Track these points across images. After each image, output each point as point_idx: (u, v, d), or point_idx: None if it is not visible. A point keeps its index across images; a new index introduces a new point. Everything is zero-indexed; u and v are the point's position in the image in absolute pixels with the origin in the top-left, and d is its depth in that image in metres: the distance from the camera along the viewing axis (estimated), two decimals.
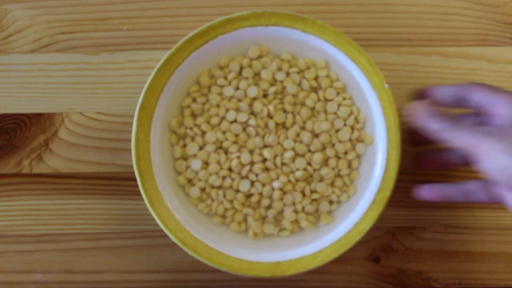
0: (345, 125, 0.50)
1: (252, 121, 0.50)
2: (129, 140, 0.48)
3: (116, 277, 0.53)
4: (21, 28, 0.55)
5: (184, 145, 0.50)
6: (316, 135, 0.50)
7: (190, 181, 0.50)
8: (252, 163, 0.50)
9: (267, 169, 0.50)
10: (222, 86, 0.50)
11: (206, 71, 0.50)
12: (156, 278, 0.53)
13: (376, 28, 0.55)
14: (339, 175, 0.50)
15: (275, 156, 0.50)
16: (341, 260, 0.50)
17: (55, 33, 0.55)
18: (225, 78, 0.51)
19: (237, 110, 0.50)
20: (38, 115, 0.54)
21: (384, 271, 0.53)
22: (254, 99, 0.50)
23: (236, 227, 0.50)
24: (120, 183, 0.53)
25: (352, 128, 0.50)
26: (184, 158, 0.50)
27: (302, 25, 0.49)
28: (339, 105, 0.50)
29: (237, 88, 0.50)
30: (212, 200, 0.50)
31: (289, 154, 0.49)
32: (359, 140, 0.50)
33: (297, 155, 0.50)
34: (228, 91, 0.50)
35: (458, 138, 0.42)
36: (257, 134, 0.50)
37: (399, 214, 0.53)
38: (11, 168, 0.54)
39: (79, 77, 0.55)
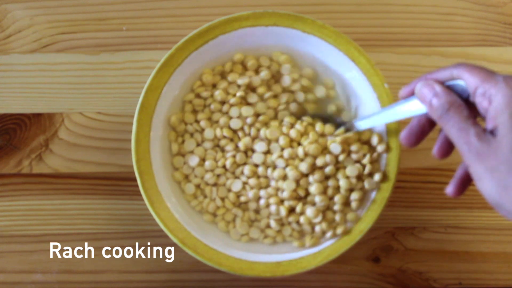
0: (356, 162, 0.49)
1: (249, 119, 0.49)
2: (129, 140, 0.48)
3: (116, 277, 0.53)
4: (21, 28, 0.55)
5: (183, 142, 0.50)
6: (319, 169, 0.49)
7: (186, 177, 0.50)
8: (245, 164, 0.49)
9: (257, 175, 0.49)
10: (231, 83, 0.50)
11: (209, 70, 0.50)
12: (156, 278, 0.53)
13: (376, 28, 0.55)
14: (332, 209, 0.49)
15: (266, 166, 0.49)
16: (341, 260, 0.50)
17: (55, 33, 0.55)
18: (238, 73, 0.50)
19: (242, 103, 0.50)
20: (38, 115, 0.54)
21: (384, 271, 0.53)
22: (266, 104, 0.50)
23: (224, 226, 0.49)
24: (120, 183, 0.53)
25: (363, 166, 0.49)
26: (182, 154, 0.50)
27: (302, 25, 0.49)
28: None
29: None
30: (205, 197, 0.50)
31: (276, 173, 0.48)
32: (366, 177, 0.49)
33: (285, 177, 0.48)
34: (243, 80, 0.50)
35: (448, 134, 0.37)
36: (248, 135, 0.50)
37: (399, 214, 0.53)
38: (11, 168, 0.54)
39: (79, 77, 0.55)
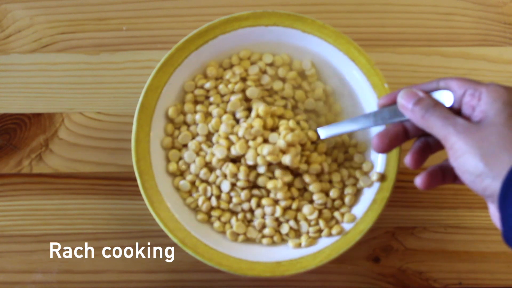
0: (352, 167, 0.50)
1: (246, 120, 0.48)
2: (129, 140, 0.48)
3: (116, 277, 0.53)
4: (21, 28, 0.55)
5: (179, 134, 0.50)
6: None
7: (182, 174, 0.50)
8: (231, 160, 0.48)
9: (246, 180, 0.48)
10: (236, 73, 0.50)
11: (214, 63, 0.50)
12: (156, 278, 0.53)
13: (376, 28, 0.55)
14: (331, 207, 0.49)
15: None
16: (341, 260, 0.50)
17: (55, 33, 0.55)
18: (245, 70, 0.50)
19: (244, 90, 0.50)
20: (38, 115, 0.54)
21: (384, 271, 0.53)
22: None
23: (220, 226, 0.49)
24: (120, 183, 0.53)
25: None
26: (178, 148, 0.50)
27: (302, 25, 0.49)
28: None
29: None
30: (199, 195, 0.49)
31: (262, 170, 0.47)
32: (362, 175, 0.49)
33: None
34: (254, 69, 0.50)
35: (431, 128, 0.39)
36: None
37: (399, 214, 0.53)
38: (11, 168, 0.54)
39: (79, 77, 0.55)
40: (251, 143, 0.47)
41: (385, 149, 0.44)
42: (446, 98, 0.40)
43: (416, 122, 0.40)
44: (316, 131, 0.48)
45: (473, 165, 0.36)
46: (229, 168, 0.47)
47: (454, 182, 0.43)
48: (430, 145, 0.43)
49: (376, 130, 0.49)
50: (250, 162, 0.47)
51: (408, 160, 0.43)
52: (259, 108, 0.48)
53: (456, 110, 0.40)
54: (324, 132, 0.48)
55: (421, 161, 0.43)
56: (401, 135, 0.43)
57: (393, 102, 0.43)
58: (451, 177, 0.42)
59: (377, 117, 0.44)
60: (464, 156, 0.36)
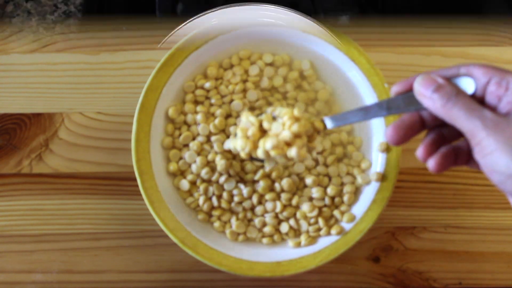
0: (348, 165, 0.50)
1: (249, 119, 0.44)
2: (129, 140, 0.48)
3: (116, 277, 0.53)
4: (21, 28, 0.55)
5: (179, 135, 0.50)
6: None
7: (182, 173, 0.50)
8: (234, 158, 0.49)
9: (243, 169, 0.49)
10: (235, 73, 0.50)
11: (215, 63, 0.50)
12: (156, 278, 0.53)
13: (376, 28, 0.55)
14: (331, 205, 0.49)
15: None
16: (341, 260, 0.50)
17: (55, 33, 0.55)
18: (246, 71, 0.50)
19: (245, 90, 0.50)
20: (38, 115, 0.54)
21: (384, 271, 0.53)
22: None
23: (220, 226, 0.49)
24: (120, 183, 0.53)
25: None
26: (179, 148, 0.50)
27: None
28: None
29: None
30: (200, 194, 0.49)
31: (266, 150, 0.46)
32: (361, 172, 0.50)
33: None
34: (254, 69, 0.50)
35: (454, 119, 0.35)
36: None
37: (399, 214, 0.53)
38: (11, 168, 0.54)
39: (79, 77, 0.55)
40: (249, 132, 0.42)
41: (400, 140, 0.40)
42: (467, 86, 0.37)
43: (435, 112, 0.37)
44: (323, 121, 0.43)
45: (503, 164, 0.33)
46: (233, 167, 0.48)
47: (467, 165, 0.40)
48: (445, 136, 0.40)
49: (377, 121, 0.49)
50: (243, 152, 0.43)
51: (420, 152, 0.39)
52: (282, 113, 0.42)
53: (478, 99, 0.36)
54: (331, 122, 0.42)
55: (433, 153, 0.39)
56: (417, 125, 0.40)
57: (409, 89, 0.39)
58: (464, 159, 0.39)
59: (391, 105, 0.40)
60: (494, 154, 0.33)
